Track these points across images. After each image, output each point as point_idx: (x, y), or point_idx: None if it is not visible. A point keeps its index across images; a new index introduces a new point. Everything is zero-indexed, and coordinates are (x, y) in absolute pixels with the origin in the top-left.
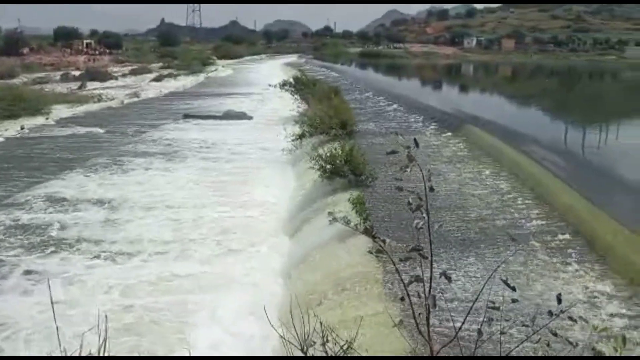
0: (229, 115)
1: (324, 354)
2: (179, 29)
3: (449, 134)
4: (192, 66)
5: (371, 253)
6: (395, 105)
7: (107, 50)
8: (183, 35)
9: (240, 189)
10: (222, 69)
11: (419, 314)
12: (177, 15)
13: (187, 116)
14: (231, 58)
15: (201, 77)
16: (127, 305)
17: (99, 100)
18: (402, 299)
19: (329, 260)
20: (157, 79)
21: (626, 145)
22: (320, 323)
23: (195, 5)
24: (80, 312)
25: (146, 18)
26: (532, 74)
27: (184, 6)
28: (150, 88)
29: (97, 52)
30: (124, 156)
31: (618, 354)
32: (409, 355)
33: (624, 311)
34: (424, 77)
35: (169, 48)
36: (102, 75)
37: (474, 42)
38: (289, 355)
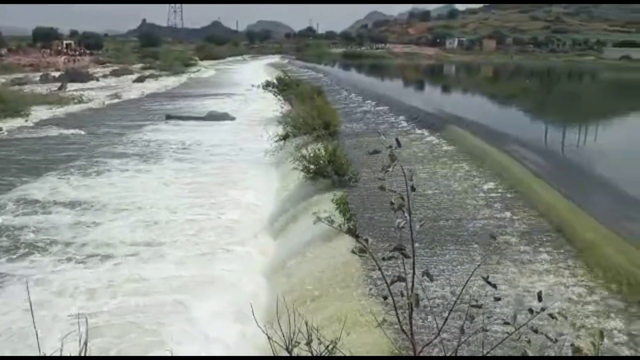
0: (211, 116)
1: (309, 354)
2: (160, 30)
3: (432, 133)
4: (174, 67)
5: (354, 253)
6: (378, 106)
7: (88, 51)
8: (165, 36)
9: (223, 191)
10: (205, 69)
11: (402, 312)
12: (159, 15)
13: (169, 117)
14: (213, 59)
15: (183, 77)
16: (96, 308)
17: (80, 102)
18: (385, 298)
19: (313, 260)
20: (139, 80)
21: (603, 145)
22: (306, 323)
23: (177, 5)
24: (50, 315)
25: (127, 18)
26: (513, 75)
27: (165, 7)
28: (131, 89)
29: (77, 53)
30: (104, 158)
31: (596, 349)
32: (393, 355)
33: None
34: (407, 78)
35: (151, 49)
36: (82, 76)
37: (456, 42)
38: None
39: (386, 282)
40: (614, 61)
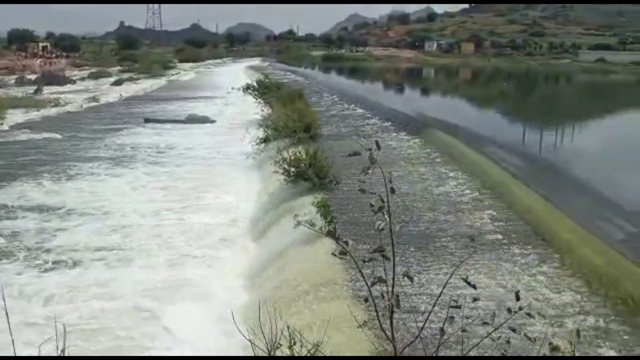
0: (191, 119)
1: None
2: (139, 32)
3: (412, 136)
4: (153, 70)
5: (335, 255)
6: (359, 109)
7: (64, 54)
8: (143, 39)
9: (204, 194)
10: (184, 72)
11: (383, 314)
12: (137, 18)
13: (148, 120)
14: (193, 61)
15: (163, 80)
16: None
17: (57, 105)
18: (366, 299)
19: (294, 263)
20: (117, 83)
21: (579, 147)
22: (287, 327)
23: (155, 7)
24: (17, 321)
25: (105, 21)
26: (491, 78)
27: (143, 9)
28: (110, 92)
29: (53, 56)
30: (77, 162)
31: (573, 347)
32: (374, 355)
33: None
34: (387, 81)
35: (129, 51)
36: (59, 79)
37: (435, 45)
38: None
39: (367, 284)
40: (589, 64)
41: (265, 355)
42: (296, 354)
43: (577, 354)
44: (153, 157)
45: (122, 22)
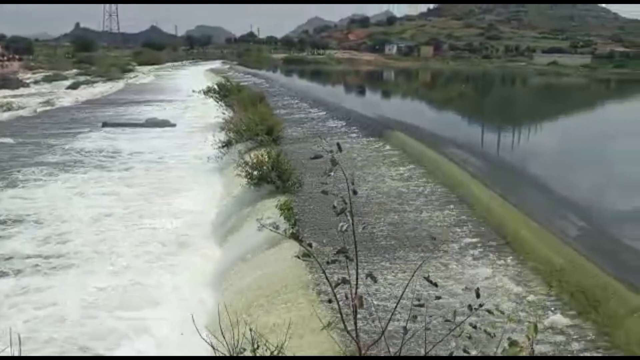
0: (151, 123)
1: None
2: (95, 34)
3: (373, 138)
4: (110, 73)
5: (298, 257)
6: (321, 111)
7: (17, 56)
8: (100, 41)
9: (164, 199)
10: (143, 75)
11: (347, 314)
12: (93, 19)
13: (106, 124)
14: (152, 64)
15: (121, 83)
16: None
17: (9, 109)
18: (330, 301)
19: (258, 266)
20: (73, 87)
21: (535, 146)
22: (250, 330)
23: (112, 8)
24: None
25: (59, 22)
26: (450, 80)
27: (100, 11)
28: (65, 96)
29: (5, 58)
30: (24, 168)
31: (531, 342)
32: (339, 355)
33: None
34: (349, 83)
35: (85, 54)
36: (11, 83)
37: (395, 48)
38: None
39: (330, 285)
40: (543, 66)
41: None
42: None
43: (535, 347)
44: (109, 162)
45: (77, 24)
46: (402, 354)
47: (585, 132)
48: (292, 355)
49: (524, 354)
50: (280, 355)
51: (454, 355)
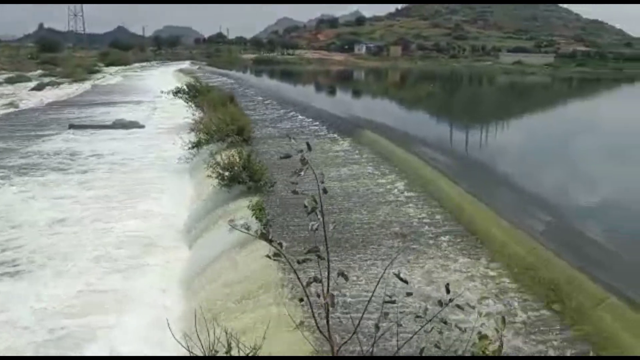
0: (119, 124)
1: None
2: (60, 35)
3: (343, 137)
4: (76, 74)
5: (269, 257)
6: (291, 111)
7: None
8: (65, 42)
9: (133, 201)
10: (110, 76)
11: (319, 313)
12: (58, 20)
13: (72, 126)
14: (119, 65)
15: (87, 85)
16: None
17: None
18: (302, 300)
19: (230, 267)
20: (38, 88)
21: (502, 144)
22: (225, 332)
23: (78, 8)
24: None
25: (22, 23)
26: (419, 79)
27: (64, 11)
28: (30, 97)
29: None
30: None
31: (500, 334)
32: (312, 355)
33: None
34: (319, 83)
35: (50, 55)
36: None
37: (364, 48)
38: None
39: (302, 285)
40: (508, 65)
41: None
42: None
43: (503, 340)
44: (74, 165)
45: (41, 25)
46: (375, 351)
47: (549, 130)
48: (266, 355)
49: (492, 346)
50: (255, 355)
51: (424, 350)
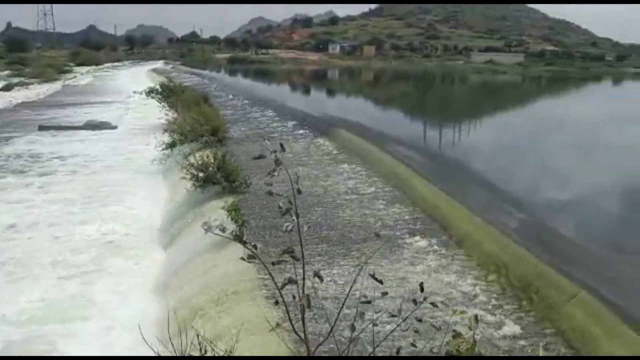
0: (90, 125)
1: None
2: (29, 34)
3: (317, 136)
4: (46, 74)
5: (243, 259)
6: (266, 111)
7: None
8: (34, 41)
9: (106, 204)
10: (82, 76)
11: (295, 315)
12: (27, 19)
13: (42, 128)
14: (90, 65)
15: (58, 85)
16: None
17: None
18: (277, 302)
19: (205, 270)
20: (6, 88)
21: (475, 142)
22: (197, 335)
23: (47, 8)
24: None
25: None
26: (393, 79)
27: (33, 10)
28: None
29: None
30: None
31: (473, 332)
32: (288, 355)
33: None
34: (294, 83)
35: (19, 54)
36: None
37: (338, 48)
38: None
39: (277, 286)
40: (480, 64)
41: None
42: None
43: (477, 337)
44: (61, 167)
45: (9, 24)
46: (351, 351)
47: (520, 128)
48: (243, 355)
49: (465, 344)
50: (231, 355)
51: (400, 350)
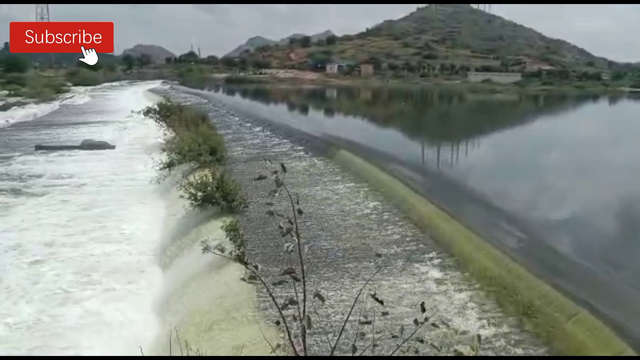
0: (88, 145)
1: None
2: (26, 54)
3: (317, 156)
4: (44, 93)
5: (244, 280)
6: (265, 131)
7: None
8: (32, 61)
9: (105, 224)
10: (79, 96)
11: (295, 336)
12: None
13: (40, 147)
14: (88, 84)
15: (55, 105)
16: None
17: None
18: (278, 323)
19: (205, 290)
20: (3, 108)
21: (473, 161)
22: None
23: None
24: None
25: None
26: (390, 98)
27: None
28: None
29: None
30: None
31: (476, 352)
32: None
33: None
34: (292, 102)
35: (16, 74)
36: None
37: (336, 67)
38: None
39: (278, 307)
40: (477, 84)
41: None
42: None
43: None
44: (59, 187)
45: (6, 44)
46: None
47: (519, 147)
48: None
49: None
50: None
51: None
